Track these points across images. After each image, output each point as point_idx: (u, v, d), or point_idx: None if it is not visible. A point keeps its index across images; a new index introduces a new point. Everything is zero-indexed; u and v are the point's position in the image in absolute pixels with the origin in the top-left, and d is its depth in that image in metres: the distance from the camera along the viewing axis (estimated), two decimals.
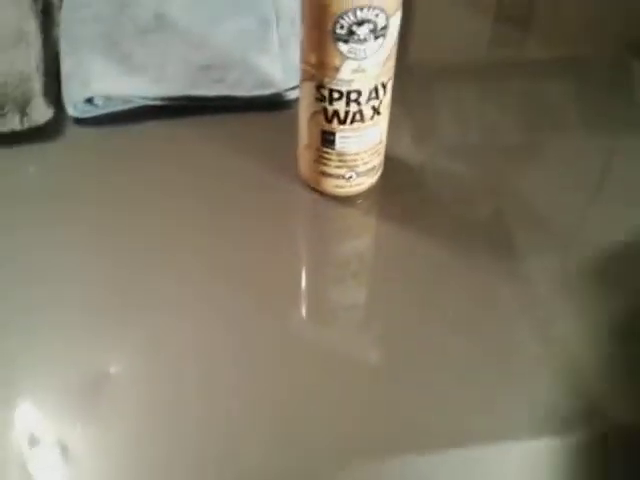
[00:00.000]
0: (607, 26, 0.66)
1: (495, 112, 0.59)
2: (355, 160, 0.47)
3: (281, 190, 0.51)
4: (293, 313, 0.45)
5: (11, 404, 0.40)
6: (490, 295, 0.45)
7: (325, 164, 0.47)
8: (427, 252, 0.48)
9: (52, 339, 0.43)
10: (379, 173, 0.50)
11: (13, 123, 0.51)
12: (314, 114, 0.45)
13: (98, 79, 0.53)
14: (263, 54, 0.56)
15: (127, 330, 0.43)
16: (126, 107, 0.54)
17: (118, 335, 0.43)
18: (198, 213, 0.49)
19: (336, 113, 0.44)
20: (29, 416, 0.40)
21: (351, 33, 0.39)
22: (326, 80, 0.42)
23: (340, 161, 0.47)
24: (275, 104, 0.55)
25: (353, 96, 0.43)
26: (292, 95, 0.54)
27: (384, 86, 0.44)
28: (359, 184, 0.49)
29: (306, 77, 0.44)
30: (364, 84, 0.42)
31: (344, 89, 0.42)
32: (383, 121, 0.46)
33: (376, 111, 0.44)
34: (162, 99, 0.54)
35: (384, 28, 0.40)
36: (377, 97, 0.43)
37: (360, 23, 0.39)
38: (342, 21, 0.39)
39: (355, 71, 0.41)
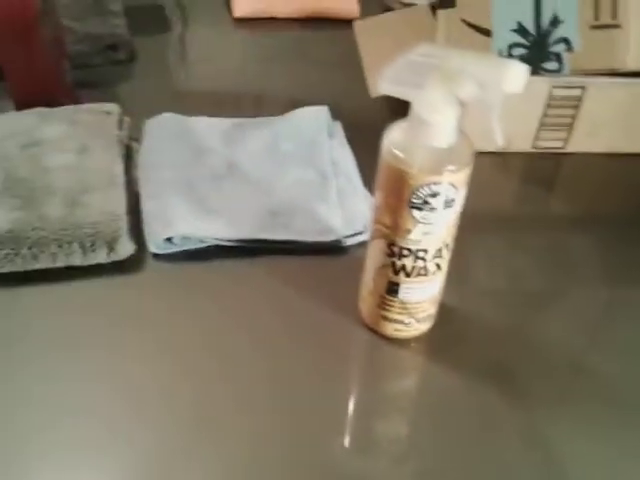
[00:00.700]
0: (627, 184, 0.73)
1: (521, 261, 0.64)
2: (416, 308, 0.52)
3: (340, 328, 0.56)
4: (336, 441, 0.49)
5: None
6: (534, 439, 0.49)
7: (388, 310, 0.52)
8: (467, 391, 0.52)
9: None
10: (434, 319, 0.55)
11: (100, 257, 0.56)
12: (382, 267, 0.50)
13: (179, 221, 0.59)
14: (323, 203, 0.63)
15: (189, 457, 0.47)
16: (200, 246, 0.59)
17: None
18: (260, 345, 0.54)
19: (403, 267, 0.49)
20: None
21: (425, 203, 0.46)
22: (398, 240, 0.48)
23: (402, 308, 0.52)
24: (333, 249, 0.61)
25: (420, 254, 0.48)
26: (349, 242, 0.60)
27: (447, 246, 0.49)
28: (416, 329, 0.53)
29: (377, 235, 0.49)
30: (431, 244, 0.48)
31: (413, 248, 0.48)
32: (442, 275, 0.51)
33: (438, 267, 0.50)
34: (234, 241, 0.59)
35: (453, 200, 0.46)
36: (441, 256, 0.49)
37: (434, 195, 0.45)
38: (419, 192, 0.45)
39: (425, 233, 0.47)
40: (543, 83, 0.68)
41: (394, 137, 0.46)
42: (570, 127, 0.72)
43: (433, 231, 0.47)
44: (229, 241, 0.59)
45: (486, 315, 0.58)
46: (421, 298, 0.51)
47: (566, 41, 0.63)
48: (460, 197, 0.47)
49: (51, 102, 0.69)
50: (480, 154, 0.73)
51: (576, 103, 0.70)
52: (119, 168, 0.62)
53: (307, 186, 0.64)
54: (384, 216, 0.48)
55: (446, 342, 0.55)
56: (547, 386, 0.52)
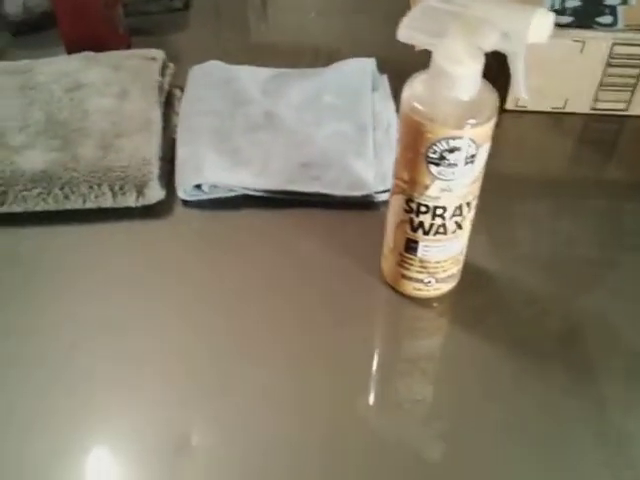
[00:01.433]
0: None
1: (571, 227, 0.61)
2: (435, 267, 0.50)
3: (362, 285, 0.55)
4: (360, 399, 0.48)
5: (91, 467, 0.44)
6: (555, 410, 0.47)
7: (407, 268, 0.51)
8: (495, 358, 0.50)
9: (135, 403, 0.47)
10: (457, 280, 0.53)
11: (130, 201, 0.57)
12: (401, 223, 0.49)
13: (209, 169, 0.59)
14: (359, 157, 0.61)
15: (210, 403, 0.47)
16: (229, 195, 0.59)
17: (200, 406, 0.47)
18: (280, 300, 0.53)
19: (421, 224, 0.48)
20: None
21: (442, 158, 0.44)
22: (415, 195, 0.46)
23: (421, 267, 0.50)
24: (365, 205, 0.59)
25: (439, 211, 0.47)
26: (381, 198, 0.59)
27: (468, 205, 0.47)
28: (437, 289, 0.52)
29: (397, 190, 0.48)
30: (450, 202, 0.46)
31: (431, 204, 0.46)
32: (464, 235, 0.50)
33: (459, 226, 0.48)
34: (263, 191, 0.59)
35: (473, 156, 0.44)
36: (461, 214, 0.47)
37: (451, 150, 0.43)
38: (435, 147, 0.43)
39: (443, 190, 0.45)
40: (603, 40, 0.63)
41: (414, 88, 0.44)
42: (633, 88, 0.68)
43: (452, 188, 0.45)
44: (257, 191, 0.59)
45: (525, 282, 0.56)
46: (441, 257, 0.50)
47: None
48: (482, 153, 0.45)
49: (102, 47, 0.70)
50: (534, 113, 0.71)
51: None
52: (156, 114, 0.62)
53: (344, 139, 0.63)
54: (402, 171, 0.47)
55: (472, 306, 0.54)
56: (573, 361, 0.50)
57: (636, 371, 0.50)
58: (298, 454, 0.45)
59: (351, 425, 0.46)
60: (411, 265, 0.50)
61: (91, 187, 0.56)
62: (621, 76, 0.67)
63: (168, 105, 0.66)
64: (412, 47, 0.43)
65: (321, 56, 0.79)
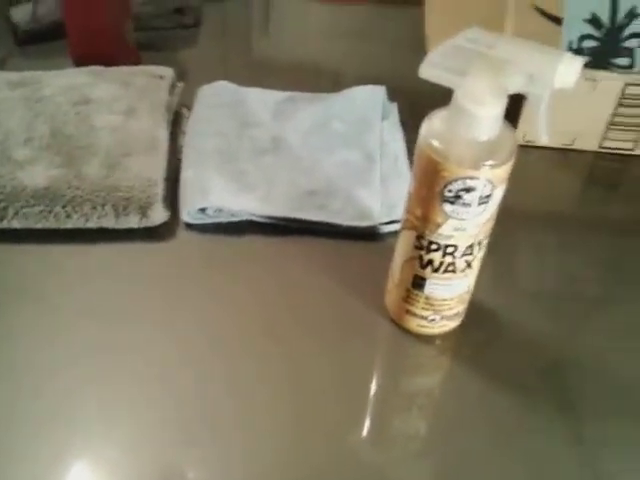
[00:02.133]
0: None
1: (574, 264, 0.61)
2: (441, 305, 0.49)
3: (364, 317, 0.54)
4: (354, 433, 0.47)
5: None
6: (546, 455, 0.46)
7: (412, 304, 0.50)
8: (493, 395, 0.49)
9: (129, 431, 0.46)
10: (461, 318, 0.52)
11: (132, 222, 0.56)
12: (410, 259, 0.48)
13: (215, 192, 0.58)
14: (365, 187, 0.61)
15: (200, 435, 0.46)
16: (233, 219, 0.58)
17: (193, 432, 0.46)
18: (280, 328, 0.53)
19: (430, 262, 0.47)
20: None
21: (458, 197, 0.43)
22: (427, 232, 0.46)
23: (427, 304, 0.49)
24: (370, 235, 0.59)
25: (449, 250, 0.46)
26: (387, 229, 0.58)
27: (479, 244, 0.47)
28: (441, 326, 0.51)
29: (408, 226, 0.47)
30: (462, 241, 0.46)
31: (442, 242, 0.46)
32: (473, 273, 0.49)
33: (468, 265, 0.47)
34: (267, 217, 0.58)
35: (488, 196, 0.43)
36: (472, 253, 0.47)
37: (467, 190, 0.43)
38: (451, 186, 0.43)
39: (456, 229, 0.45)
40: (616, 80, 0.63)
41: (433, 125, 0.44)
42: None
43: (465, 227, 0.45)
44: (262, 217, 0.58)
45: (528, 319, 0.55)
46: (448, 295, 0.49)
47: None
48: (497, 194, 0.44)
49: (110, 62, 0.69)
50: (543, 149, 0.71)
51: None
52: (163, 133, 0.61)
53: (351, 168, 0.62)
54: (415, 207, 0.46)
55: (476, 343, 0.53)
56: (570, 402, 0.49)
57: (631, 410, 0.50)
58: None
59: (345, 459, 0.45)
60: (417, 302, 0.50)
61: (94, 207, 0.55)
62: (631, 116, 0.67)
63: (175, 124, 0.65)
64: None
65: (324, 78, 0.78)
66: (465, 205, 0.43)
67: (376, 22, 0.89)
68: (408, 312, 0.51)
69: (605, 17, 0.59)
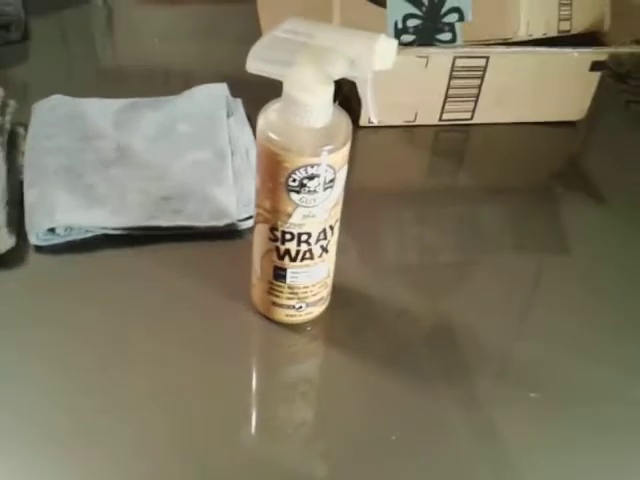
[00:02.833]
0: (534, 153, 0.73)
1: (432, 235, 0.63)
2: (305, 293, 0.50)
3: (234, 315, 0.54)
4: (242, 429, 0.47)
5: None
6: (433, 419, 0.48)
7: (277, 296, 0.50)
8: (371, 372, 0.51)
9: None
10: (327, 303, 0.53)
11: None
12: (267, 252, 0.48)
13: (61, 210, 0.56)
14: (219, 185, 0.60)
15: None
16: (87, 236, 0.56)
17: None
18: (151, 336, 0.52)
19: (288, 252, 0.48)
20: None
21: (302, 186, 0.44)
22: (279, 224, 0.46)
23: (291, 293, 0.50)
24: (230, 233, 0.58)
25: (304, 237, 0.47)
26: (246, 225, 0.58)
27: (332, 228, 0.48)
28: (308, 313, 0.52)
29: (260, 220, 0.48)
30: (314, 227, 0.46)
31: (295, 231, 0.46)
32: (331, 258, 0.50)
33: (324, 250, 0.48)
34: (122, 229, 0.56)
35: (332, 181, 0.44)
36: (325, 238, 0.48)
37: (310, 177, 0.43)
38: (294, 176, 0.43)
39: (306, 216, 0.46)
40: (446, 55, 0.66)
41: (269, 118, 0.44)
42: (476, 98, 0.71)
43: (314, 214, 0.46)
44: (116, 230, 0.56)
45: (395, 294, 0.57)
46: (310, 282, 0.50)
47: (458, 11, 0.62)
48: (340, 177, 0.45)
49: None
50: (388, 128, 0.73)
51: (480, 73, 0.69)
52: None
53: (203, 168, 0.62)
54: (264, 200, 0.46)
55: (345, 325, 0.54)
56: (450, 367, 0.52)
57: (504, 370, 0.52)
58: None
59: (238, 456, 0.45)
60: (281, 292, 0.50)
61: None
62: (464, 87, 0.70)
63: (12, 145, 0.62)
64: None
65: (172, 81, 0.77)
66: (311, 192, 0.44)
67: (219, 21, 0.88)
68: (274, 304, 0.51)
69: None
